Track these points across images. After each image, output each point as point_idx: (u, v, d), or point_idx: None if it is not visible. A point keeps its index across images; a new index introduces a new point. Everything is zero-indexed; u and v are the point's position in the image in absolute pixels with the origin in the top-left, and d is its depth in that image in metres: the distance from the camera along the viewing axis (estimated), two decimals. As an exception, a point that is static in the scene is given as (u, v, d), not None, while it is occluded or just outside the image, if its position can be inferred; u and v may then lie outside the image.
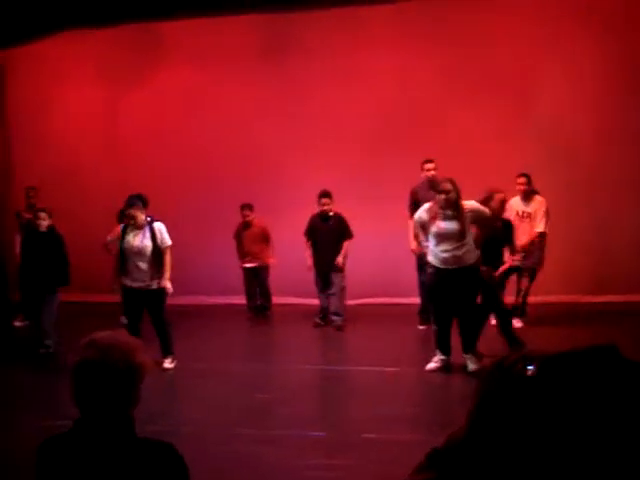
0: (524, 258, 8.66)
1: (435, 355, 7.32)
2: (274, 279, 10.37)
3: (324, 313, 9.65)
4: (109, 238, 9.03)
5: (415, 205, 9.02)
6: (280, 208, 10.71)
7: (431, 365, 7.27)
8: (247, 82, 11.25)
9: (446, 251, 6.97)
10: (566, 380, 1.14)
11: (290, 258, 10.19)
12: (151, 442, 2.24)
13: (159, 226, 7.56)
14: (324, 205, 9.47)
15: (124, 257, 7.52)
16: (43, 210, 8.67)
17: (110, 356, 2.21)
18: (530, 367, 1.17)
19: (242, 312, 10.43)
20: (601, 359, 1.15)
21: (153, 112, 11.66)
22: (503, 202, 7.68)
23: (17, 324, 10.22)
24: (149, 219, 7.56)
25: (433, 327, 8.96)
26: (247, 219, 10.26)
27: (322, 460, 5.16)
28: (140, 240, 7.44)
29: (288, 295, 10.91)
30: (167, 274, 7.55)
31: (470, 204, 7.04)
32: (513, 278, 8.88)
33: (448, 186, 6.92)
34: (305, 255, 9.63)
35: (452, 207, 6.94)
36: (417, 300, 9.42)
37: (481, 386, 1.25)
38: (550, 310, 9.58)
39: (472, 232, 7.11)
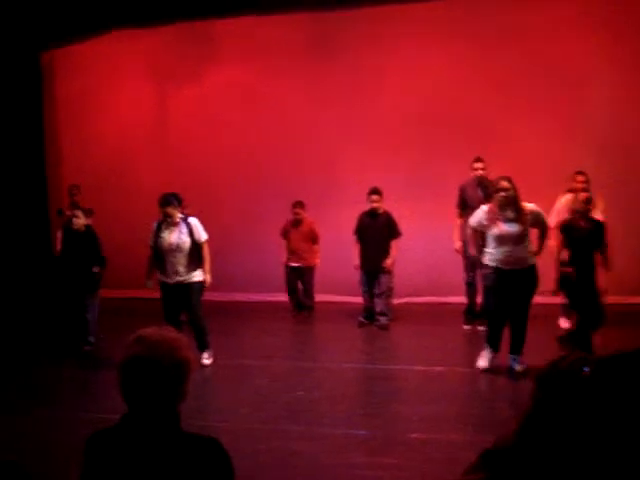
0: None
1: (483, 350, 7.22)
2: (318, 277, 10.33)
3: (368, 312, 9.57)
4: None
5: (463, 202, 9.01)
6: (327, 206, 10.71)
7: (480, 362, 7.17)
8: (296, 79, 11.26)
9: (507, 252, 6.82)
10: (620, 381, 1.13)
11: (335, 256, 10.19)
12: (197, 437, 2.26)
13: (194, 221, 7.60)
14: (373, 202, 9.39)
15: (159, 254, 7.56)
16: (79, 208, 8.77)
17: (157, 352, 2.23)
18: (585, 369, 1.15)
19: (285, 309, 10.45)
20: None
21: (202, 110, 11.74)
22: (588, 201, 7.29)
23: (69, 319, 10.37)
24: (183, 215, 7.61)
25: (480, 327, 8.96)
26: (298, 217, 10.15)
27: (366, 459, 5.14)
28: (177, 236, 7.47)
29: (331, 293, 10.90)
30: (207, 267, 7.58)
31: (530, 206, 6.88)
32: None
33: (506, 184, 6.77)
34: (353, 254, 9.57)
35: (511, 207, 6.79)
36: (463, 299, 9.35)
37: (537, 387, 1.23)
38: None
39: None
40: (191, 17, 11.45)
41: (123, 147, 12.11)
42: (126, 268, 11.21)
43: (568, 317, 8.54)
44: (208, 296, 8.18)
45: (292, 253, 10.22)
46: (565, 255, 7.25)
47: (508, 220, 6.79)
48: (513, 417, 4.86)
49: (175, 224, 7.50)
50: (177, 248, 7.45)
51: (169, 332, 2.34)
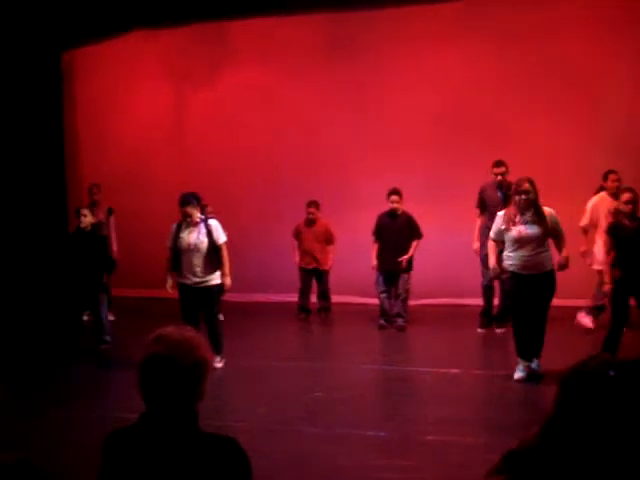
0: None
1: (518, 363, 6.96)
2: (333, 278, 10.29)
3: (387, 315, 9.52)
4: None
5: (482, 203, 8.96)
6: (343, 207, 10.71)
7: (518, 374, 6.92)
8: (313, 81, 11.27)
9: (525, 257, 6.69)
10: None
11: (351, 257, 10.18)
12: (214, 437, 2.26)
13: (214, 223, 7.56)
14: (393, 202, 9.35)
15: (178, 255, 7.53)
16: (88, 207, 8.78)
17: (177, 351, 2.24)
18: (611, 372, 1.14)
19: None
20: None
21: (219, 111, 11.77)
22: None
23: (85, 318, 10.41)
24: (202, 216, 7.58)
25: (497, 330, 8.91)
26: (311, 216, 10.08)
27: (383, 460, 5.13)
28: (195, 237, 7.43)
29: (348, 294, 10.89)
30: (226, 269, 7.52)
31: (549, 210, 6.77)
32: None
33: (528, 186, 6.65)
34: (371, 255, 9.53)
35: (531, 209, 6.68)
36: (480, 301, 9.30)
37: (560, 389, 1.22)
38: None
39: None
40: (209, 18, 11.49)
41: (141, 147, 12.16)
42: (142, 268, 11.29)
43: (595, 317, 8.50)
44: (226, 296, 8.18)
45: (305, 253, 10.14)
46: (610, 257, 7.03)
47: (527, 222, 6.69)
48: (530, 420, 4.83)
49: (194, 224, 7.46)
50: (195, 248, 7.41)
51: (188, 331, 2.35)
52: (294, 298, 10.39)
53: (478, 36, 10.49)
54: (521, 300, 6.83)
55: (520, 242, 6.70)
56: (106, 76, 12.32)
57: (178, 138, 12.14)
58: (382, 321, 9.49)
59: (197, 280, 7.48)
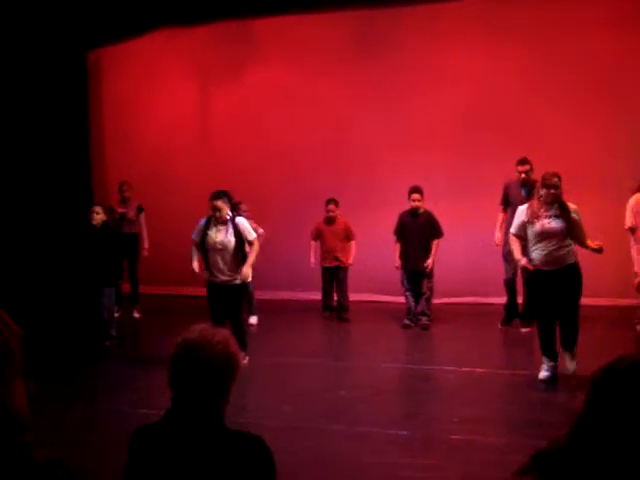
0: None
1: (543, 363, 6.89)
2: (354, 276, 10.26)
3: (412, 314, 9.49)
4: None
5: (506, 200, 8.92)
6: (367, 206, 10.71)
7: (543, 374, 6.85)
8: (339, 79, 11.26)
9: (546, 251, 6.62)
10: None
11: (373, 256, 10.17)
12: (240, 434, 2.28)
13: (242, 221, 7.53)
14: (414, 201, 9.31)
15: (205, 252, 7.52)
16: (101, 206, 8.81)
17: (211, 340, 2.30)
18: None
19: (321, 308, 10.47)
20: None
21: (245, 110, 11.81)
22: None
23: (116, 315, 10.48)
24: (231, 215, 7.54)
25: (522, 329, 8.87)
26: (331, 214, 10.04)
27: (406, 459, 5.13)
28: (223, 235, 7.40)
29: (370, 292, 10.90)
30: (249, 261, 7.45)
31: (573, 206, 6.67)
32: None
33: (556, 180, 6.58)
34: (394, 254, 9.51)
35: (557, 204, 6.61)
36: (504, 300, 9.27)
37: (592, 390, 1.23)
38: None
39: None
40: (234, 16, 11.53)
41: (165, 146, 12.23)
42: (166, 266, 11.37)
43: None
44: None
45: (327, 253, 10.10)
46: None
47: (551, 216, 6.62)
48: (554, 420, 4.81)
49: (223, 222, 7.42)
50: (222, 247, 7.39)
51: (221, 329, 2.43)
52: (319, 296, 10.40)
53: (503, 34, 10.45)
54: (544, 297, 6.76)
55: (543, 236, 6.62)
56: (131, 75, 12.41)
57: (203, 137, 12.20)
58: (407, 320, 9.47)
59: (225, 279, 7.47)
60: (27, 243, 10.48)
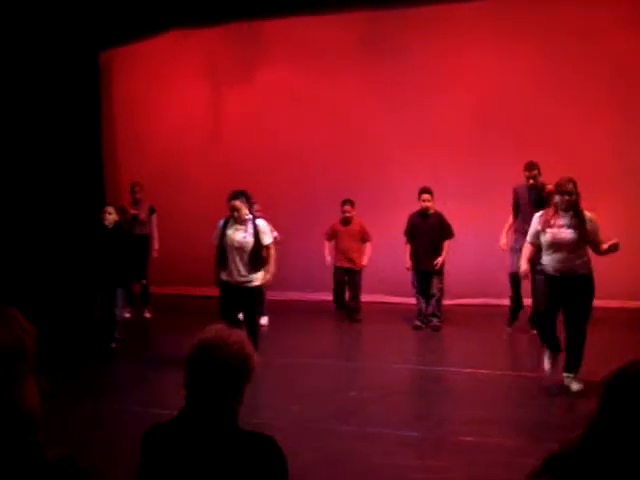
0: None
1: (544, 355, 6.80)
2: (365, 277, 10.20)
3: (423, 315, 9.45)
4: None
5: (516, 204, 8.85)
6: (378, 207, 10.70)
7: (545, 366, 6.77)
8: (348, 80, 11.26)
9: (560, 261, 6.42)
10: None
11: (384, 257, 10.16)
12: (253, 434, 2.29)
13: (262, 223, 7.47)
14: (424, 201, 9.29)
15: (223, 252, 7.46)
16: (112, 205, 8.79)
17: (227, 339, 2.32)
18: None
19: (334, 309, 10.47)
20: None
21: (255, 110, 11.83)
22: None
23: (127, 315, 10.51)
24: (251, 216, 7.51)
25: (532, 330, 8.83)
26: (347, 215, 10.00)
27: (416, 461, 5.13)
28: (242, 236, 7.35)
29: (380, 293, 10.90)
30: (270, 267, 7.43)
31: (589, 214, 6.45)
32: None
33: (571, 187, 6.37)
34: (404, 255, 9.50)
35: (571, 211, 6.40)
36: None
37: (604, 392, 1.23)
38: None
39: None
40: (244, 17, 11.56)
41: (176, 147, 12.26)
42: (177, 266, 11.40)
43: None
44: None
45: (341, 253, 10.06)
46: None
47: (565, 225, 6.41)
48: (564, 423, 4.79)
49: (242, 222, 7.35)
50: (240, 247, 7.33)
51: (237, 330, 2.46)
52: (330, 297, 10.40)
53: (514, 35, 10.43)
54: (552, 300, 6.56)
55: (555, 245, 6.43)
56: (142, 75, 12.45)
57: (213, 137, 12.22)
58: (417, 322, 9.45)
59: (241, 279, 7.42)
60: (39, 243, 10.52)
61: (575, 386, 6.52)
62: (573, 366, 6.56)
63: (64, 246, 10.46)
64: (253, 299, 7.53)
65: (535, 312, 8.41)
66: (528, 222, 6.93)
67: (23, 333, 1.54)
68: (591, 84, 10.16)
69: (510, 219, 8.96)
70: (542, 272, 6.71)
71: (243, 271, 7.40)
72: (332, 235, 10.16)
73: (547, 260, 6.55)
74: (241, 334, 2.41)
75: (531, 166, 8.58)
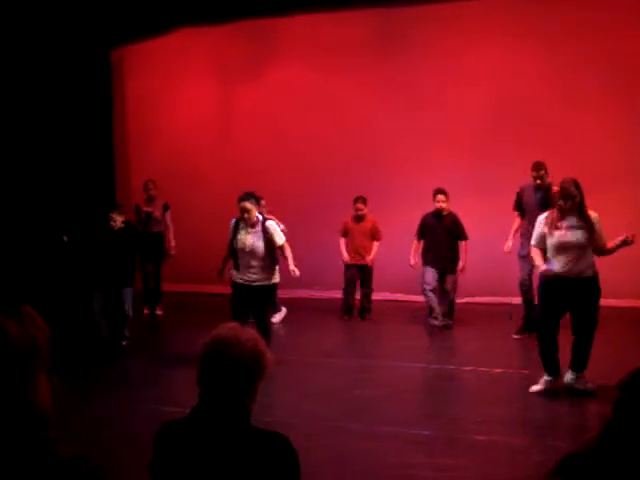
0: None
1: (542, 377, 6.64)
2: (377, 275, 10.17)
3: (434, 313, 9.32)
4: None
5: (519, 205, 8.76)
6: (388, 204, 10.69)
7: (535, 387, 6.60)
8: (359, 77, 11.26)
9: (567, 263, 6.29)
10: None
11: (392, 255, 10.15)
12: (265, 432, 2.29)
13: (271, 224, 7.47)
14: (439, 202, 9.24)
15: (235, 254, 7.49)
16: (118, 208, 8.74)
17: (240, 337, 2.33)
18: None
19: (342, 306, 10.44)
20: None
21: (266, 107, 11.83)
22: None
23: (145, 312, 10.56)
24: (261, 217, 7.50)
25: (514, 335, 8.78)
26: (360, 213, 9.96)
27: (427, 459, 5.12)
28: (253, 239, 7.36)
29: (391, 291, 10.89)
30: (291, 263, 7.48)
31: (595, 215, 6.37)
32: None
33: (574, 190, 6.27)
34: (411, 253, 9.48)
35: (576, 213, 6.31)
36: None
37: (620, 394, 1.22)
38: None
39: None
40: (255, 15, 11.56)
41: (187, 144, 12.29)
42: (188, 264, 11.41)
43: None
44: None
45: (355, 251, 10.02)
46: None
47: (571, 226, 6.32)
48: (576, 423, 4.77)
49: (252, 225, 7.37)
50: (250, 251, 7.35)
51: (250, 328, 2.50)
52: (339, 295, 10.38)
53: (524, 34, 10.40)
54: (554, 307, 6.42)
55: (560, 248, 6.32)
56: (154, 73, 12.47)
57: (224, 135, 12.24)
58: (434, 320, 9.25)
59: (253, 278, 7.43)
60: (50, 241, 10.55)
61: (579, 385, 6.46)
62: (580, 367, 6.49)
63: (74, 244, 10.48)
64: (265, 298, 7.56)
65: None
66: (534, 223, 6.77)
67: (36, 331, 1.55)
68: (600, 83, 10.12)
69: (517, 221, 8.86)
70: (545, 277, 6.49)
71: (255, 271, 7.43)
72: (345, 232, 10.11)
73: (552, 264, 6.41)
74: (254, 332, 2.41)
75: (538, 166, 8.44)
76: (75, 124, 11.50)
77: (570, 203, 6.30)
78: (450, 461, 5.05)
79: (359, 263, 10.02)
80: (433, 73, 10.85)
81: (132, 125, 12.84)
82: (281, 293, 10.00)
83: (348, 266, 10.11)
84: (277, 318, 9.82)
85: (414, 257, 9.49)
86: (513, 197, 8.94)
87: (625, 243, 6.31)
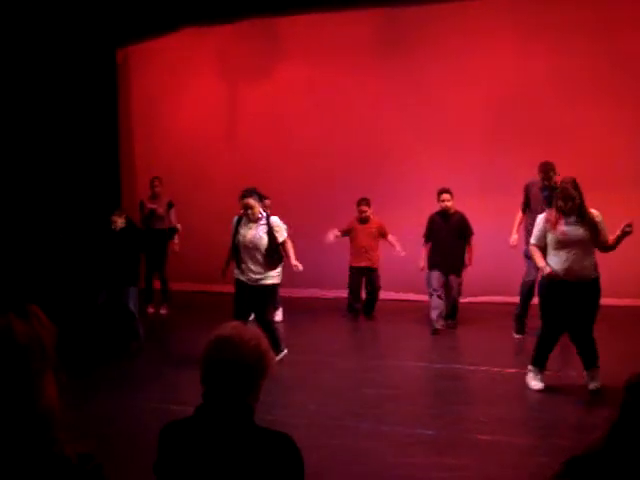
0: None
1: (530, 373, 6.73)
2: (382, 275, 10.15)
3: (442, 314, 9.25)
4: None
5: (526, 201, 8.75)
6: (393, 204, 10.68)
7: (536, 385, 6.66)
8: (364, 77, 11.25)
9: (567, 261, 6.28)
10: None
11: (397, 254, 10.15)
12: (269, 432, 2.29)
13: (275, 220, 7.46)
14: (444, 201, 9.19)
15: (237, 250, 7.47)
16: (118, 209, 8.73)
17: (243, 336, 2.32)
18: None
19: (346, 306, 10.43)
20: None
21: (271, 107, 11.83)
22: None
23: (151, 310, 10.58)
24: (265, 213, 7.50)
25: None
26: (364, 215, 9.92)
27: (431, 459, 5.12)
28: (255, 234, 7.35)
29: (396, 291, 10.88)
30: (293, 259, 7.49)
31: (596, 212, 6.35)
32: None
33: (572, 192, 6.26)
34: (421, 256, 9.38)
35: (576, 213, 6.29)
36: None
37: (626, 394, 1.22)
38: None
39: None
40: (260, 14, 11.57)
41: (192, 143, 12.30)
42: (193, 262, 11.43)
43: None
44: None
45: (358, 253, 9.99)
46: None
47: (571, 223, 6.31)
48: (581, 423, 4.76)
49: (255, 220, 7.36)
50: (253, 246, 7.33)
51: (253, 327, 2.49)
52: (344, 294, 10.36)
53: (532, 33, 10.38)
54: (556, 309, 6.42)
55: (562, 244, 6.29)
56: (159, 73, 12.49)
57: (229, 134, 12.25)
58: (437, 324, 9.14)
59: (255, 277, 7.42)
60: (56, 240, 10.58)
61: (592, 385, 6.48)
62: (592, 363, 6.50)
63: (80, 243, 10.51)
64: (266, 297, 7.53)
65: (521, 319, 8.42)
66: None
67: (43, 330, 1.56)
68: (602, 84, 10.09)
69: (519, 215, 8.81)
70: (548, 279, 6.43)
71: (257, 269, 7.41)
72: (347, 231, 10.04)
73: (554, 262, 6.39)
74: (257, 331, 2.42)
75: (546, 166, 8.42)
76: (81, 123, 11.53)
77: (570, 204, 6.29)
78: (454, 461, 5.05)
79: (364, 265, 9.96)
80: (438, 73, 10.84)
81: (137, 124, 12.86)
82: (285, 292, 10.03)
83: (354, 269, 10.05)
84: (279, 316, 9.81)
85: (424, 260, 9.38)
86: (517, 197, 8.91)
87: (625, 233, 6.29)
